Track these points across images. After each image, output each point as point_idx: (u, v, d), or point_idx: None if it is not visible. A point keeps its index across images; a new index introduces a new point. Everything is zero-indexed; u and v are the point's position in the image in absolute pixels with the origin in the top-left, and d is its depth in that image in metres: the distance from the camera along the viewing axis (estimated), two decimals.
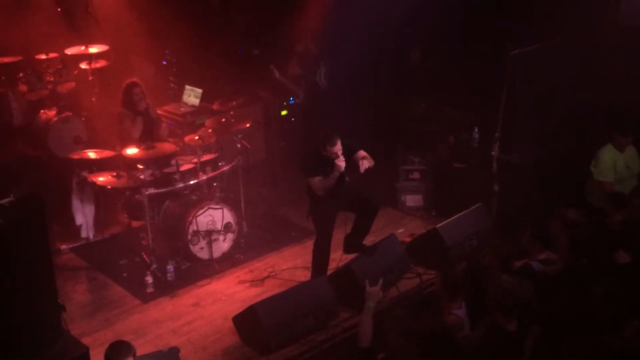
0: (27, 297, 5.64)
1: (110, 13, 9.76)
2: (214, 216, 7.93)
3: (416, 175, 9.28)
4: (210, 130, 8.50)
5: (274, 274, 7.91)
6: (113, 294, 7.65)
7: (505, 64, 8.09)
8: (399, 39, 9.81)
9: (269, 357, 6.65)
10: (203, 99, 9.49)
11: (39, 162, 9.27)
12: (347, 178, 7.03)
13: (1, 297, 5.48)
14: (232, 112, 8.72)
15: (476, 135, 8.91)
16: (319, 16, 9.80)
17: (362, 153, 7.07)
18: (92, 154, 8.17)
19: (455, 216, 8.08)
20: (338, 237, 7.45)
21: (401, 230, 8.68)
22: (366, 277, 7.18)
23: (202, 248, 7.94)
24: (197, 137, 8.35)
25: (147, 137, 8.37)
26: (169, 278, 7.74)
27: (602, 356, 5.02)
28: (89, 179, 7.96)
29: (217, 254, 8.02)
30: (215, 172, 8.19)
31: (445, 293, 6.15)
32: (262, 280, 7.81)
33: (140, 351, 5.95)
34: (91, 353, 6.07)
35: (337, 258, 7.60)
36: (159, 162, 8.13)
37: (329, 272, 7.42)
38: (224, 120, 8.63)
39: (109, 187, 7.93)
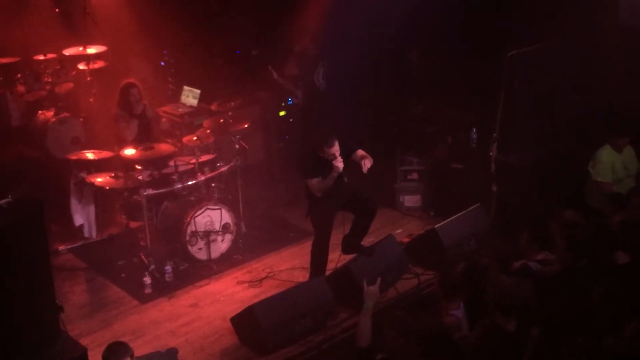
0: (25, 298, 5.63)
1: (108, 14, 9.75)
2: (212, 217, 7.93)
3: (414, 175, 9.29)
4: (208, 131, 8.49)
5: (272, 274, 7.91)
6: (111, 294, 7.65)
7: (503, 65, 8.09)
8: (397, 40, 9.80)
9: (268, 358, 6.64)
10: (201, 99, 9.48)
11: (37, 163, 9.26)
12: (345, 179, 7.02)
13: None
14: (230, 113, 8.71)
15: (474, 136, 8.91)
16: (318, 17, 9.79)
17: (360, 152, 7.07)
18: (90, 155, 8.17)
19: (454, 217, 8.08)
20: (336, 237, 7.44)
21: (399, 230, 8.68)
22: (364, 277, 7.21)
23: (200, 249, 7.93)
24: (195, 138, 8.35)
25: (144, 139, 8.37)
26: (167, 279, 7.74)
27: (602, 356, 5.03)
28: (87, 180, 7.96)
29: (215, 254, 8.01)
30: (214, 173, 8.19)
31: (443, 293, 6.15)
32: (261, 280, 7.81)
33: (139, 352, 5.96)
34: (89, 354, 6.08)
35: (336, 259, 7.59)
36: (157, 163, 8.13)
37: (327, 273, 7.42)
38: (222, 121, 8.63)
39: (107, 187, 7.93)
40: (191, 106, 9.51)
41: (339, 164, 6.88)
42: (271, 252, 8.34)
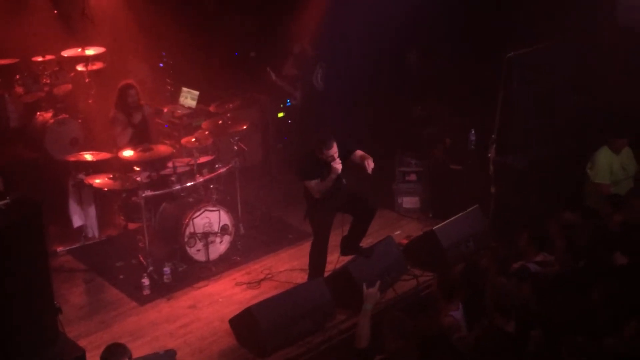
0: (24, 300, 5.63)
1: (106, 15, 9.76)
2: (211, 218, 7.92)
3: (413, 177, 9.29)
4: (207, 132, 8.50)
5: (270, 276, 7.91)
6: (109, 296, 7.64)
7: (502, 66, 8.09)
8: (396, 41, 9.80)
9: (266, 359, 6.64)
10: (200, 101, 9.49)
11: (36, 164, 9.26)
12: (344, 180, 7.02)
13: None
14: (228, 114, 8.72)
15: (473, 138, 8.92)
16: (316, 18, 9.81)
17: (359, 153, 7.08)
18: (88, 156, 8.16)
19: (452, 218, 8.09)
20: (335, 239, 7.45)
21: (398, 232, 8.68)
22: (363, 278, 7.21)
23: (198, 250, 7.93)
24: (193, 139, 8.35)
25: (142, 140, 8.38)
26: (165, 280, 7.73)
27: (601, 357, 5.03)
28: (86, 181, 7.96)
29: (213, 256, 8.01)
30: (212, 174, 8.19)
31: (442, 295, 6.15)
32: (259, 282, 7.81)
33: (137, 353, 5.95)
34: (87, 355, 6.08)
35: (334, 260, 7.59)
36: (155, 164, 8.13)
37: (326, 274, 7.42)
38: (220, 122, 8.63)
39: (106, 189, 7.93)
40: (190, 107, 9.52)
41: (338, 165, 6.89)
42: (270, 253, 8.34)
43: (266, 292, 7.54)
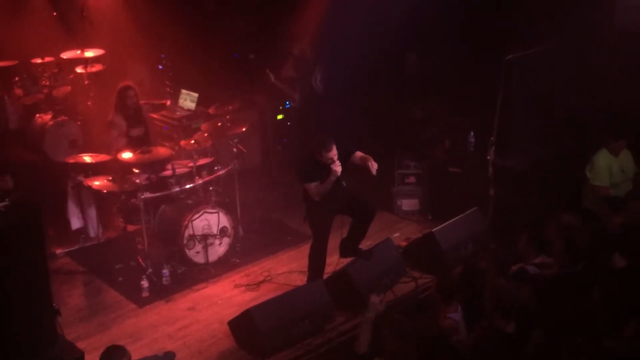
0: (23, 302, 5.63)
1: (106, 17, 9.77)
2: (210, 220, 7.92)
3: (412, 179, 9.30)
4: (206, 135, 8.49)
5: (269, 278, 7.91)
6: (108, 298, 7.64)
7: (501, 68, 8.10)
8: (395, 42, 9.80)
9: None
10: (199, 103, 9.50)
11: (35, 166, 9.25)
12: (343, 183, 7.02)
13: None
14: (228, 116, 8.71)
15: (472, 140, 8.92)
16: (315, 19, 9.81)
17: (359, 154, 7.08)
18: (87, 158, 8.16)
19: (451, 220, 8.09)
20: (335, 241, 7.44)
21: (397, 234, 8.68)
22: (362, 281, 7.23)
23: (197, 252, 7.93)
24: (193, 141, 8.35)
25: (142, 143, 8.38)
26: (164, 282, 7.73)
27: (601, 357, 5.04)
28: (85, 183, 7.96)
29: (213, 258, 8.01)
30: (211, 176, 8.19)
31: (441, 297, 6.16)
32: (258, 284, 7.81)
33: (136, 355, 5.94)
34: (86, 357, 6.09)
35: (334, 262, 7.59)
36: (154, 166, 8.12)
37: (325, 276, 7.42)
38: (220, 124, 8.63)
39: (105, 191, 7.93)
40: (189, 110, 9.53)
41: (337, 167, 6.89)
42: (269, 255, 8.34)
43: (265, 294, 7.54)
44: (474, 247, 8.06)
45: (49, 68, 9.68)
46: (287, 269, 8.06)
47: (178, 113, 9.51)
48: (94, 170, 8.12)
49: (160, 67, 10.35)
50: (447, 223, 8.05)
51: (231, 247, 8.17)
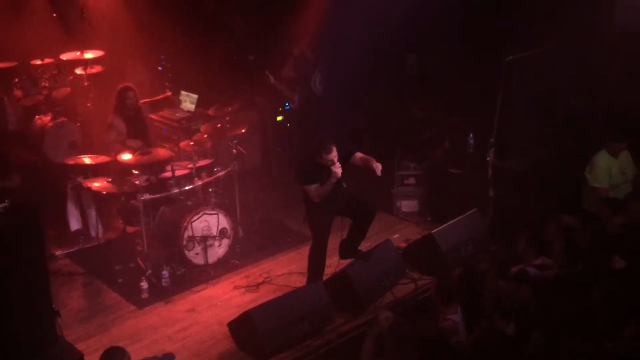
0: (22, 303, 5.63)
1: (105, 18, 9.76)
2: (209, 222, 7.92)
3: (411, 180, 9.29)
4: (205, 136, 8.49)
5: (269, 279, 7.90)
6: (108, 299, 7.63)
7: (501, 69, 8.10)
8: (395, 43, 9.81)
9: None
10: (198, 104, 9.50)
11: (34, 168, 9.24)
12: (344, 184, 7.02)
13: None
14: (227, 118, 8.72)
15: (472, 141, 8.92)
16: (315, 20, 9.82)
17: (359, 155, 7.08)
18: (87, 160, 8.15)
19: (451, 222, 8.08)
20: (335, 242, 7.44)
21: (396, 235, 8.68)
22: (362, 282, 7.22)
23: (197, 253, 7.92)
24: (192, 143, 8.35)
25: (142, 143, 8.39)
26: (164, 284, 7.73)
27: (601, 358, 5.04)
28: (84, 185, 7.95)
29: (212, 259, 8.00)
30: (211, 178, 8.19)
31: (440, 298, 6.16)
32: (258, 285, 7.80)
33: (135, 357, 5.93)
34: (86, 359, 6.09)
35: (334, 264, 7.59)
36: (154, 168, 8.12)
37: (325, 278, 7.41)
38: (219, 125, 8.63)
39: (104, 192, 7.92)
40: (188, 111, 9.53)
41: (338, 169, 6.87)
42: (268, 257, 8.34)
43: (265, 295, 7.53)
44: (474, 248, 8.06)
45: (49, 69, 9.68)
46: (286, 270, 8.06)
47: (178, 114, 9.51)
48: (94, 171, 8.11)
49: (159, 68, 10.35)
50: (446, 224, 8.04)
51: (231, 248, 8.16)
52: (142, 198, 7.67)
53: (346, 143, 7.16)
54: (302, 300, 6.97)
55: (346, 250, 7.44)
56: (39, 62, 9.66)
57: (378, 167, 6.89)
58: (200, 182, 8.06)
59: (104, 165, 8.19)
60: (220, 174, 8.25)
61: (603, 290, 5.61)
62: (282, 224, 9.01)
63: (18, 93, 9.64)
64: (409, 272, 7.85)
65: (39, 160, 9.38)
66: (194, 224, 7.81)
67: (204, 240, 7.89)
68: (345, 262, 7.54)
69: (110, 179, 7.95)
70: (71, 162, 8.19)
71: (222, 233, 8.01)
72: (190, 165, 8.04)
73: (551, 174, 8.18)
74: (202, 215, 7.86)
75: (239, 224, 8.45)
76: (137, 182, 7.77)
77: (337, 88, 9.76)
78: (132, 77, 9.79)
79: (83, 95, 9.64)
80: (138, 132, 8.57)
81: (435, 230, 7.95)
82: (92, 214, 8.32)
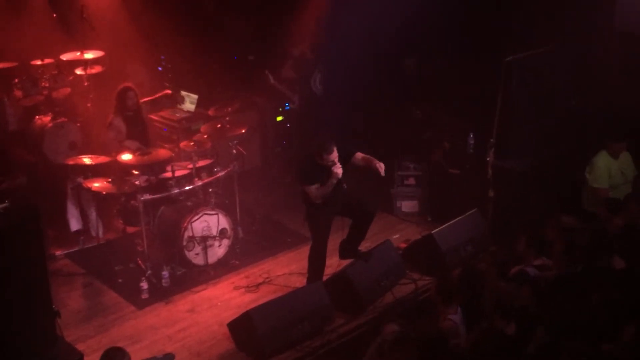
0: (22, 303, 5.62)
1: (105, 19, 9.74)
2: (209, 222, 7.92)
3: (411, 181, 9.30)
4: (205, 136, 8.50)
5: (269, 279, 7.90)
6: (108, 300, 7.63)
7: (501, 69, 8.09)
8: (395, 44, 9.80)
9: None
10: (198, 104, 9.49)
11: (34, 168, 9.24)
12: (344, 185, 7.01)
13: None
14: (227, 118, 8.72)
15: (471, 141, 8.91)
16: (315, 21, 9.82)
17: (359, 155, 7.07)
18: (87, 160, 8.15)
19: (451, 222, 8.08)
20: (335, 242, 7.44)
21: (396, 236, 8.68)
22: (362, 282, 7.22)
23: (197, 254, 7.92)
24: (192, 143, 8.35)
25: (141, 143, 8.37)
26: (164, 284, 7.73)
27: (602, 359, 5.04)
28: (84, 185, 7.95)
29: (212, 259, 8.00)
30: (211, 178, 8.19)
31: (440, 298, 6.15)
32: (258, 286, 7.80)
33: (135, 357, 5.94)
34: (86, 359, 6.06)
35: (334, 264, 7.60)
36: (154, 168, 8.12)
37: (325, 278, 7.41)
38: (219, 126, 8.63)
39: (104, 192, 7.92)
40: (188, 111, 9.52)
41: (338, 170, 6.87)
42: (268, 257, 8.34)
43: (265, 295, 7.53)
44: (474, 248, 8.06)
45: (49, 70, 9.66)
46: (286, 270, 8.06)
47: (178, 115, 9.51)
48: (94, 171, 8.11)
49: (159, 68, 10.35)
50: (446, 224, 8.04)
51: (231, 248, 8.16)
52: (142, 198, 7.67)
53: (346, 143, 7.15)
54: (302, 301, 6.97)
55: (346, 250, 7.44)
56: (39, 62, 9.64)
57: (381, 166, 6.89)
58: (200, 183, 8.06)
59: (104, 165, 8.18)
60: (220, 174, 8.25)
61: (602, 291, 5.61)
62: (282, 224, 9.00)
63: (18, 93, 9.63)
64: (409, 272, 7.85)
65: (39, 161, 9.37)
66: (194, 224, 7.81)
67: (204, 240, 7.89)
68: (345, 262, 7.54)
69: (110, 179, 7.95)
70: (71, 162, 8.19)
71: (222, 233, 8.01)
72: (190, 166, 8.04)
73: (551, 174, 8.18)
74: (202, 215, 7.86)
75: (239, 224, 8.45)
76: (137, 182, 7.77)
77: (337, 88, 9.76)
78: (132, 77, 9.78)
79: (83, 95, 9.62)
80: (138, 132, 8.57)
81: (435, 230, 7.95)
82: (92, 214, 8.32)
